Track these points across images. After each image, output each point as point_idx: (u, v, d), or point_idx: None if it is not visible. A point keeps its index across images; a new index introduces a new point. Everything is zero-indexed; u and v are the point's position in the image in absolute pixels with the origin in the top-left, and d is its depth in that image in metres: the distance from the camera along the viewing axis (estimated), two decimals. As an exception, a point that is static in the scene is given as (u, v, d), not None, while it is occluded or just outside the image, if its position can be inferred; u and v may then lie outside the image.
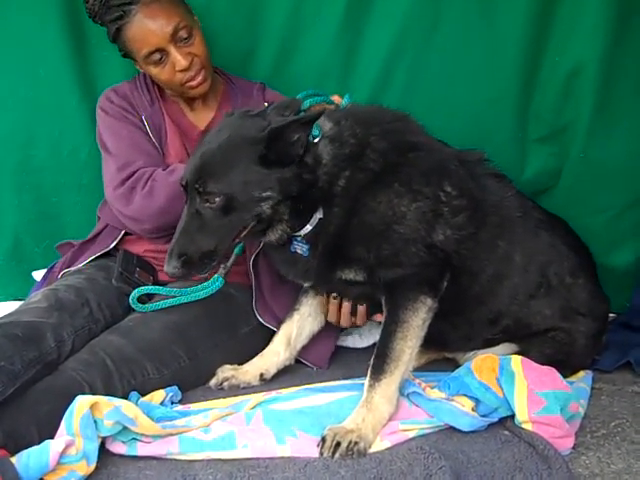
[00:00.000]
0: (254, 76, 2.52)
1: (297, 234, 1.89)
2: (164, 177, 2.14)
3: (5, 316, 1.96)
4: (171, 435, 1.70)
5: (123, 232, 2.32)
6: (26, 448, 1.57)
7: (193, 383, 2.06)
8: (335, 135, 1.86)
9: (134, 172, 2.17)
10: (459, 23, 2.43)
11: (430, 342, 1.95)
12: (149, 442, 1.69)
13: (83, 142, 2.53)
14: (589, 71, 2.36)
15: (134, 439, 1.68)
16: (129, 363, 1.91)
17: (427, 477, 1.57)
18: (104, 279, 2.22)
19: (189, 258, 1.78)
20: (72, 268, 2.32)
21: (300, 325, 2.16)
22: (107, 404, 1.63)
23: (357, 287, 2.00)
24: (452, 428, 1.77)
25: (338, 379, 2.07)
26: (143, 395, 1.89)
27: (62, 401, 1.66)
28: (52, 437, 1.60)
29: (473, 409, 1.77)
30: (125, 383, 1.88)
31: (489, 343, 2.10)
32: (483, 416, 1.77)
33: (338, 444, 1.65)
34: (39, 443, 1.58)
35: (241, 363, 2.12)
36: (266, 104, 2.26)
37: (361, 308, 2.09)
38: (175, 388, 1.97)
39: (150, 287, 2.17)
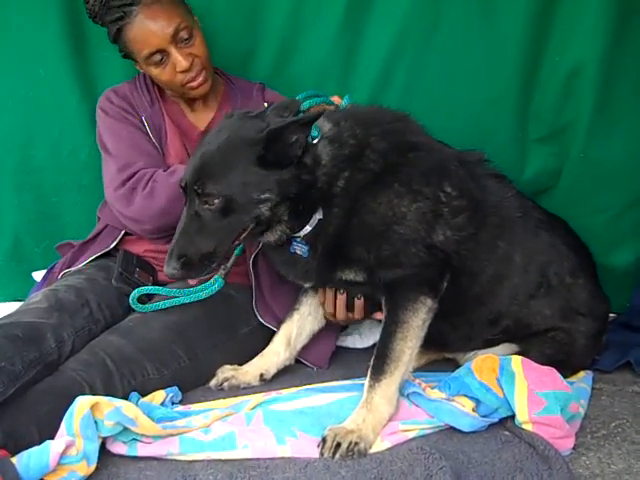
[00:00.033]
0: (254, 76, 2.52)
1: (296, 235, 1.89)
2: (165, 178, 2.14)
3: (5, 317, 1.97)
4: (171, 435, 1.70)
5: (123, 232, 2.32)
6: (26, 448, 1.57)
7: (193, 383, 2.06)
8: (334, 136, 1.86)
9: (135, 173, 2.17)
10: (459, 23, 2.43)
11: (430, 342, 1.95)
12: (149, 442, 1.69)
13: (83, 142, 2.53)
14: (589, 71, 2.36)
15: (134, 439, 1.68)
16: (129, 363, 1.91)
17: (428, 477, 1.56)
18: (104, 279, 2.22)
19: (188, 259, 1.78)
20: (72, 268, 2.32)
21: (300, 325, 2.16)
22: (107, 404, 1.63)
23: (357, 287, 2.00)
24: (452, 428, 1.77)
25: (338, 379, 2.07)
26: (143, 395, 1.89)
27: (62, 401, 1.66)
28: (52, 437, 1.60)
29: (473, 409, 1.77)
30: (125, 383, 1.88)
31: (489, 343, 2.10)
32: (483, 416, 1.77)
33: (338, 444, 1.65)
34: (39, 443, 1.58)
35: (241, 363, 2.12)
36: (266, 104, 2.26)
37: (358, 302, 2.08)
38: (175, 389, 1.97)
39: (150, 287, 2.17)
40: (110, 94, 2.33)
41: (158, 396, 1.90)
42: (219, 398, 1.95)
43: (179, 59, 2.17)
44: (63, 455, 1.55)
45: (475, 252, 1.96)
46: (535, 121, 2.49)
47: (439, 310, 1.89)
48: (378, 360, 1.82)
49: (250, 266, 2.24)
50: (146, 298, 2.16)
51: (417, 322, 1.85)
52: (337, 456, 1.64)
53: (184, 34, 2.16)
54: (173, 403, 1.92)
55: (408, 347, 1.83)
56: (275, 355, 2.14)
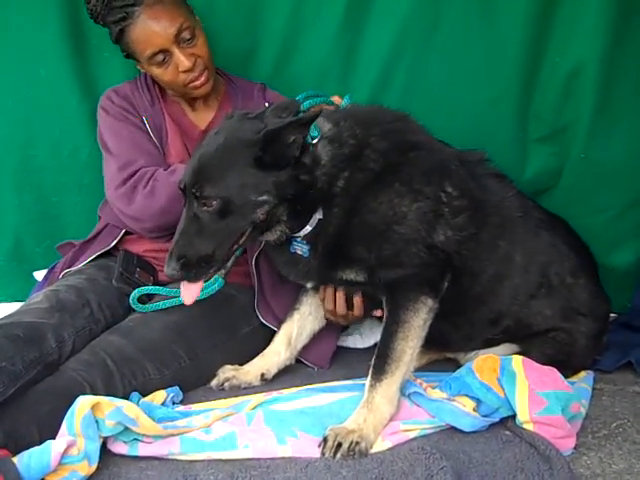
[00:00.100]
0: (254, 76, 2.52)
1: (297, 235, 1.89)
2: (165, 177, 2.14)
3: (6, 317, 1.97)
4: (172, 435, 1.70)
5: (124, 231, 2.32)
6: (27, 448, 1.57)
7: (194, 383, 2.06)
8: (334, 136, 1.86)
9: (135, 172, 2.17)
10: (459, 23, 2.43)
11: (431, 342, 1.95)
12: (150, 442, 1.69)
13: (84, 142, 2.53)
14: (589, 71, 2.36)
15: (135, 439, 1.68)
16: (130, 363, 1.91)
17: (428, 477, 1.56)
18: (105, 279, 2.22)
19: (188, 261, 1.77)
20: (73, 268, 2.32)
21: (301, 324, 2.16)
22: (108, 404, 1.63)
23: (358, 287, 2.00)
24: (453, 428, 1.77)
25: (339, 379, 2.07)
26: (144, 395, 1.89)
27: (63, 401, 1.66)
28: (53, 437, 1.60)
29: (474, 409, 1.77)
30: (126, 383, 1.88)
31: (490, 343, 2.10)
32: (484, 416, 1.77)
33: (339, 444, 1.65)
34: (40, 443, 1.58)
35: (242, 363, 2.12)
36: (267, 105, 2.26)
37: (357, 299, 2.08)
38: (176, 388, 1.97)
39: (150, 287, 2.17)
40: (111, 94, 2.33)
41: (159, 396, 1.90)
42: (220, 398, 1.95)
43: (182, 59, 2.17)
44: (64, 455, 1.55)
45: (476, 252, 1.96)
46: (535, 121, 2.49)
47: (440, 310, 1.89)
48: (379, 360, 1.82)
49: (252, 266, 2.24)
50: (146, 298, 2.16)
51: (418, 322, 1.85)
52: (338, 456, 1.64)
53: (186, 34, 2.16)
54: (174, 403, 1.92)
55: (409, 347, 1.83)
56: (276, 355, 2.14)
